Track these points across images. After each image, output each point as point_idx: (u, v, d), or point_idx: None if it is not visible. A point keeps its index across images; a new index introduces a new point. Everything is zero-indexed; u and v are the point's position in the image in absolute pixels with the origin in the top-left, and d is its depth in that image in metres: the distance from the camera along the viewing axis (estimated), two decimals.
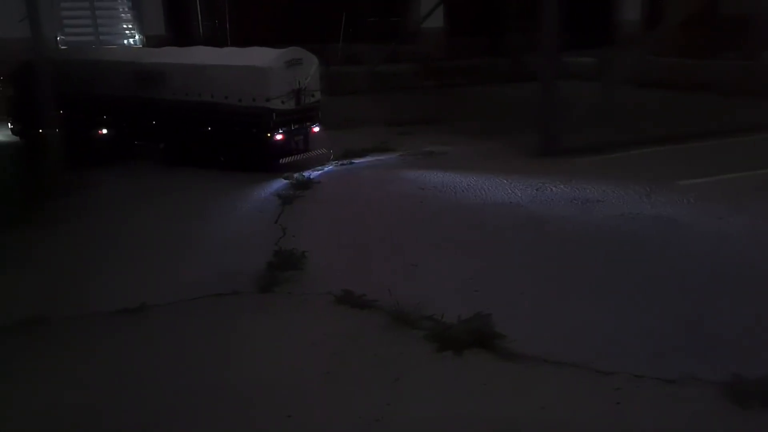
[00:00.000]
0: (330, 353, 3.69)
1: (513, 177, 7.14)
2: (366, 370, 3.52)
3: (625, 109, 9.94)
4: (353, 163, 8.04)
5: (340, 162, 8.05)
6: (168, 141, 8.35)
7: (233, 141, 7.77)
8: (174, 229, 5.89)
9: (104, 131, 8.68)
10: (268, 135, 7.47)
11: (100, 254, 5.34)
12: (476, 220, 5.93)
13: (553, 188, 6.71)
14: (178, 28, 16.37)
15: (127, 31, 16.52)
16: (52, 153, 7.27)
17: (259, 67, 7.44)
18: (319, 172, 7.69)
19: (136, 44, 16.23)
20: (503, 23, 17.83)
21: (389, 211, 6.29)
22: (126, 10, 16.49)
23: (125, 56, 9.07)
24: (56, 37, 16.05)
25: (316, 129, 8.02)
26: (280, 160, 7.57)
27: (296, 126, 7.75)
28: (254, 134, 7.56)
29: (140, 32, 16.70)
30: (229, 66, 7.77)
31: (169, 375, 3.52)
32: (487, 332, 3.80)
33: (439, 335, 3.80)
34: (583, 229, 5.58)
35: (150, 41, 15.81)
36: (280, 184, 7.13)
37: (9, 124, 9.32)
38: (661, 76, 12.08)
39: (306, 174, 7.45)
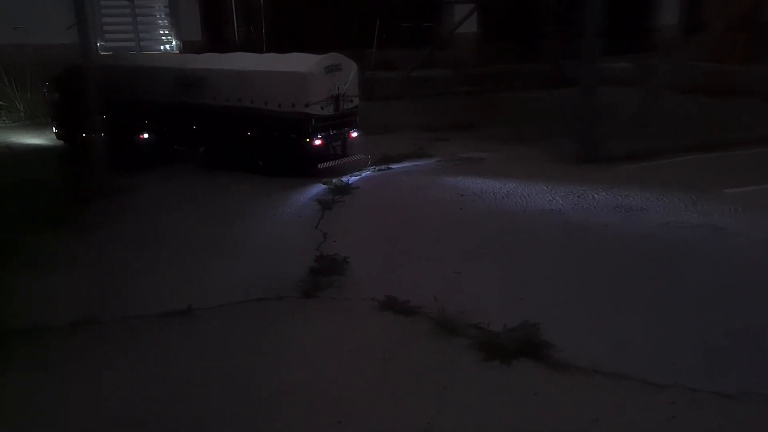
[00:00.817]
0: (377, 359, 3.67)
1: (553, 184, 7.05)
2: (414, 378, 3.49)
3: (666, 116, 9.76)
4: (390, 168, 8.02)
5: (378, 167, 8.03)
6: (208, 146, 8.45)
7: (272, 146, 7.82)
8: (214, 232, 5.92)
9: (146, 136, 8.79)
10: (307, 140, 7.50)
11: (144, 256, 5.40)
12: (518, 227, 5.86)
13: (595, 195, 6.61)
14: (213, 33, 16.59)
15: (164, 37, 16.81)
16: (95, 157, 7.39)
17: (298, 72, 7.49)
18: (357, 177, 7.68)
19: (173, 50, 16.50)
20: (538, 29, 17.71)
21: (429, 217, 6.26)
22: (164, 16, 16.78)
23: (168, 62, 9.15)
24: (96, 44, 16.41)
25: (355, 134, 8.04)
26: (319, 165, 7.60)
27: (335, 131, 7.78)
28: (293, 139, 7.60)
29: (177, 38, 16.98)
30: (269, 72, 7.82)
31: (217, 379, 3.53)
32: (536, 342, 3.75)
33: (486, 344, 3.75)
34: (627, 238, 5.48)
35: (186, 47, 16.05)
36: (318, 188, 7.13)
37: (53, 128, 9.47)
38: (702, 82, 11.85)
39: (344, 179, 7.46)
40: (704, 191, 6.51)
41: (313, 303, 4.41)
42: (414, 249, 5.40)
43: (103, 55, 10.55)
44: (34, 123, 11.54)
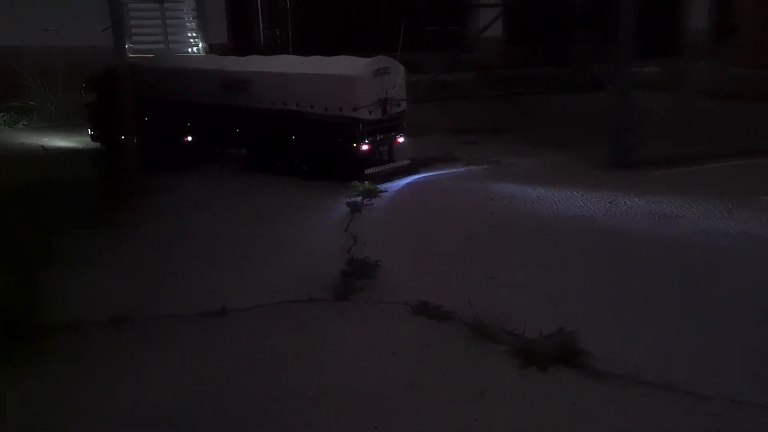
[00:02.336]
0: (412, 364, 3.65)
1: (584, 189, 6.97)
2: (451, 383, 3.46)
3: (699, 121, 9.62)
4: (419, 171, 7.99)
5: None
6: (251, 149, 8.34)
7: (317, 150, 7.67)
8: (247, 233, 5.95)
9: (188, 138, 8.77)
10: (354, 145, 7.33)
11: (178, 255, 5.43)
12: (549, 233, 5.81)
13: (627, 202, 6.52)
14: (240, 36, 16.71)
15: (191, 40, 16.98)
16: (131, 158, 7.46)
17: (346, 75, 7.32)
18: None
19: (200, 52, 16.64)
20: (564, 32, 17.59)
21: (459, 221, 6.22)
22: (191, 19, 16.95)
23: (209, 64, 9.00)
24: (125, 45, 16.61)
25: (401, 139, 7.85)
26: (365, 171, 7.43)
27: (382, 136, 7.59)
28: (339, 144, 7.44)
29: (204, 40, 17.14)
30: (316, 74, 7.62)
31: (252, 380, 3.53)
32: (573, 349, 3.70)
33: (522, 350, 3.71)
34: (662, 245, 5.39)
35: (213, 49, 16.19)
36: (349, 191, 7.10)
37: (89, 130, 9.50)
38: (736, 87, 11.65)
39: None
40: (740, 198, 6.39)
41: (345, 306, 4.40)
42: (444, 253, 5.38)
43: (145, 56, 10.48)
44: (65, 124, 11.70)
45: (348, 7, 17.00)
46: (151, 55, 10.23)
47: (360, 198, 6.86)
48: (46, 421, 3.26)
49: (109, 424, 3.22)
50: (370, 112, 7.32)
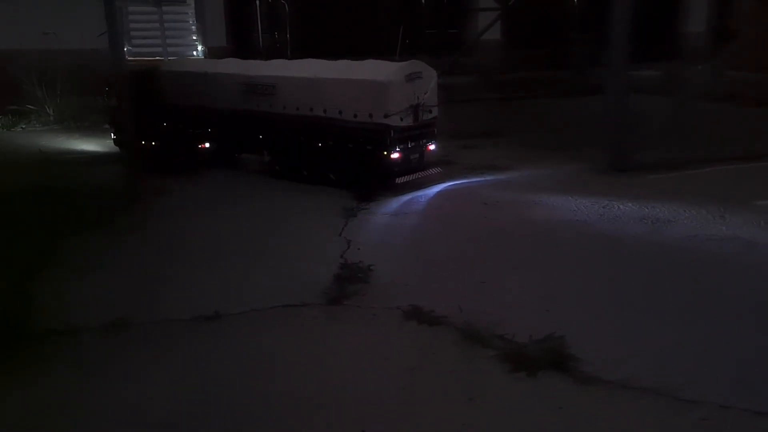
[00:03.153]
0: (403, 369, 3.67)
1: (580, 193, 7.00)
2: (440, 388, 3.48)
3: (696, 125, 9.63)
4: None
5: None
6: (274, 156, 8.09)
7: (346, 158, 7.39)
8: (243, 238, 5.97)
9: (207, 144, 8.64)
10: (385, 153, 7.06)
11: (175, 260, 5.45)
12: (543, 238, 5.83)
13: (621, 206, 6.54)
14: (239, 39, 16.76)
15: (191, 43, 17.03)
16: (147, 164, 7.39)
17: (378, 81, 7.00)
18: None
19: (199, 55, 16.69)
20: (563, 36, 17.60)
21: (453, 225, 6.25)
22: (191, 22, 17.00)
23: (232, 68, 8.68)
24: (124, 49, 16.66)
25: (432, 147, 7.58)
26: (397, 180, 7.16)
27: (413, 143, 7.29)
28: (369, 152, 7.15)
29: (203, 44, 17.20)
30: (346, 80, 7.32)
31: (244, 386, 3.55)
32: (562, 354, 3.72)
33: (511, 355, 3.73)
34: (655, 250, 5.41)
35: (212, 52, 16.23)
36: (345, 197, 7.09)
37: (111, 134, 9.37)
38: (734, 91, 11.66)
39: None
40: (734, 203, 6.41)
41: (338, 310, 4.42)
42: (437, 258, 5.39)
43: (164, 60, 10.16)
44: (63, 127, 11.75)
45: (347, 11, 17.03)
46: (170, 59, 9.84)
47: (355, 202, 6.85)
48: (44, 426, 3.28)
49: (108, 429, 3.25)
50: (401, 119, 7.04)
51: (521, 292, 4.68)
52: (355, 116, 7.22)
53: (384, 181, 7.18)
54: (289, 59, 8.56)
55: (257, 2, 16.98)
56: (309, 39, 16.19)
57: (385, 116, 6.97)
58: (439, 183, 7.63)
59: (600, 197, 6.81)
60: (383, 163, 7.12)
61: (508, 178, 7.85)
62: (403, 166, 7.29)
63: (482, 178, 7.85)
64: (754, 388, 3.39)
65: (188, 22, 17.09)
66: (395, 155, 7.11)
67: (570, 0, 18.11)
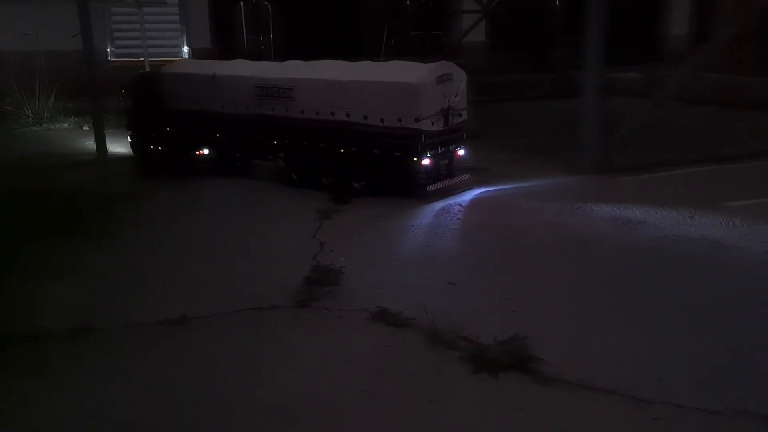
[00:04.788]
0: (367, 371, 3.69)
1: (554, 194, 7.06)
2: (402, 390, 3.51)
3: (673, 127, 9.72)
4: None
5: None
6: (290, 163, 7.68)
7: (371, 165, 6.99)
8: (216, 243, 5.97)
9: (206, 151, 8.37)
10: (415, 159, 6.71)
11: (146, 264, 5.46)
12: (515, 239, 5.87)
13: (594, 207, 6.61)
14: (223, 41, 16.74)
15: (174, 44, 17.00)
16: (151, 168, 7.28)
17: (409, 83, 6.61)
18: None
19: (182, 56, 16.67)
20: (546, 38, 17.71)
21: (426, 227, 6.26)
22: (175, 23, 16.97)
23: (242, 70, 8.18)
24: (106, 49, 16.62)
25: (461, 152, 7.27)
26: (428, 187, 6.87)
27: (443, 149, 6.96)
28: (398, 158, 6.77)
29: (187, 45, 17.17)
30: (373, 82, 6.90)
31: (208, 389, 3.56)
32: (524, 355, 3.76)
33: (475, 357, 3.77)
34: (624, 251, 5.47)
35: (196, 54, 16.21)
36: (321, 199, 7.10)
37: (128, 137, 9.14)
38: (712, 94, 11.76)
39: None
40: (704, 204, 6.48)
41: (306, 313, 4.44)
42: (409, 259, 5.42)
43: (172, 61, 9.84)
44: (42, 129, 11.67)
45: (330, 12, 17.05)
46: (176, 60, 9.38)
47: (331, 204, 6.86)
48: None
49: None
50: (432, 123, 6.68)
51: (489, 293, 4.72)
52: (382, 121, 6.81)
53: (414, 189, 6.86)
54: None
55: (241, 4, 16.98)
56: (292, 41, 16.20)
57: (416, 120, 6.60)
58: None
59: (575, 198, 6.87)
60: (414, 170, 6.77)
61: (483, 179, 7.85)
62: (434, 173, 6.97)
63: (458, 180, 7.85)
64: (711, 388, 3.44)
65: (172, 23, 17.08)
66: (426, 162, 6.76)
67: (553, 2, 18.21)
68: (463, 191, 7.27)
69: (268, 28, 16.70)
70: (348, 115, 7.04)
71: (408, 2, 18.58)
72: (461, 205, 6.81)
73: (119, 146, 9.48)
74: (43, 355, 3.97)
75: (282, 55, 14.64)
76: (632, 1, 17.44)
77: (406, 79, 6.65)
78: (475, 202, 6.93)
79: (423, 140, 6.64)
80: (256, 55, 15.90)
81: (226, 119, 8.07)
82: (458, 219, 6.43)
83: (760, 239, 5.57)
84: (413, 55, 16.29)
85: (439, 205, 6.83)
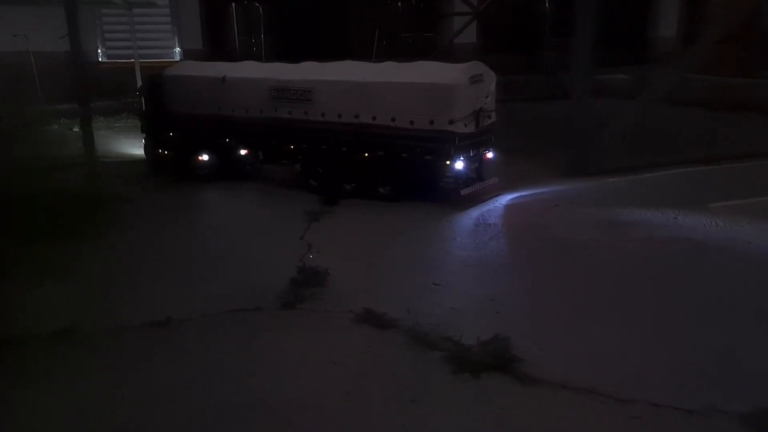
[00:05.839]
0: (350, 373, 3.72)
1: (542, 196, 7.11)
2: (385, 391, 3.54)
3: (660, 129, 9.78)
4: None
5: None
6: (308, 168, 7.45)
7: (399, 170, 6.82)
8: (205, 245, 6.00)
9: (206, 157, 8.12)
10: (448, 162, 6.52)
11: (133, 266, 5.47)
12: (501, 241, 5.92)
13: (581, 209, 6.66)
14: (214, 42, 16.75)
15: (166, 46, 17.01)
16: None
17: (443, 84, 6.45)
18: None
19: (175, 58, 16.69)
20: (537, 40, 17.78)
21: (409, 229, 6.27)
22: (167, 25, 16.99)
23: (255, 72, 7.89)
24: (97, 51, 16.61)
25: (490, 155, 7.07)
26: (461, 192, 6.67)
27: (474, 152, 6.78)
28: (429, 162, 6.59)
29: (179, 46, 17.18)
30: (403, 83, 6.67)
31: (192, 391, 3.59)
32: (506, 356, 3.80)
33: (457, 357, 3.80)
34: (609, 253, 5.52)
35: (188, 55, 16.21)
36: (308, 201, 7.12)
37: (143, 140, 8.97)
38: (700, 95, 11.83)
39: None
40: (688, 206, 6.54)
41: (291, 315, 4.47)
42: (394, 261, 5.45)
43: (170, 63, 9.50)
44: (30, 131, 11.59)
45: (322, 14, 17.07)
46: (183, 62, 8.83)
47: (319, 206, 6.88)
48: None
49: None
50: (465, 125, 6.48)
51: (474, 294, 4.76)
52: (412, 123, 6.60)
53: (447, 193, 6.67)
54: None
55: (233, 5, 16.99)
56: (283, 42, 16.22)
57: (450, 122, 6.40)
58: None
59: (561, 200, 6.92)
60: (446, 175, 6.59)
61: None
62: (466, 177, 6.80)
63: None
64: (688, 388, 3.49)
65: (164, 24, 17.09)
66: (459, 165, 6.56)
67: (543, 5, 18.29)
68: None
69: (259, 30, 16.70)
70: (374, 118, 6.81)
71: (399, 4, 18.63)
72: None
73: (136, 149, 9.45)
74: (24, 357, 3.98)
75: (273, 57, 14.65)
76: (622, 3, 17.54)
77: (439, 80, 6.47)
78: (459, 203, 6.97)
79: (456, 143, 6.44)
80: (249, 56, 15.91)
81: (237, 123, 7.75)
82: (447, 221, 6.47)
83: (742, 240, 5.63)
84: (404, 57, 16.40)
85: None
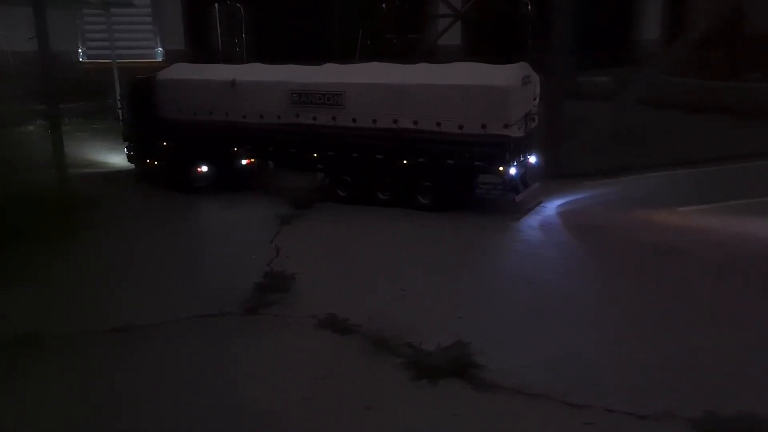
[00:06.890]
0: (309, 379, 3.71)
1: (509, 200, 7.10)
2: (341, 398, 3.53)
3: (637, 131, 9.82)
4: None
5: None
6: (336, 177, 7.00)
7: (444, 177, 6.44)
8: (173, 250, 5.97)
9: (205, 168, 7.56)
10: (501, 169, 6.20)
11: (98, 272, 5.44)
12: (468, 245, 5.93)
13: (552, 213, 6.68)
14: (197, 42, 16.67)
15: (148, 46, 16.93)
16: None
17: (497, 86, 6.10)
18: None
19: (156, 58, 16.61)
20: (520, 42, 17.83)
21: (380, 233, 6.27)
22: (148, 25, 16.91)
23: (274, 75, 7.36)
24: (77, 51, 16.49)
25: (533, 159, 6.79)
26: (516, 198, 6.41)
27: (522, 156, 6.46)
28: (480, 168, 6.30)
29: (161, 46, 17.10)
30: (449, 86, 6.29)
31: (151, 397, 3.57)
32: (465, 362, 3.80)
33: (416, 364, 3.80)
34: (575, 256, 5.55)
35: (170, 55, 16.13)
36: (280, 204, 7.07)
37: (125, 149, 8.47)
38: (679, 98, 11.88)
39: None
40: (659, 209, 6.58)
41: (254, 320, 4.45)
42: (363, 265, 5.45)
43: (169, 66, 8.99)
44: (6, 132, 11.48)
45: (306, 14, 17.03)
46: (176, 64, 8.42)
47: (290, 210, 6.85)
48: None
49: None
50: (518, 129, 6.14)
51: (439, 299, 4.76)
52: (461, 128, 6.21)
53: (498, 201, 6.40)
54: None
55: (215, 6, 16.92)
56: (265, 42, 16.16)
57: (505, 126, 6.06)
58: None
59: (534, 204, 6.92)
60: (499, 181, 6.31)
61: None
62: (515, 183, 6.51)
63: None
64: (642, 393, 3.50)
65: (145, 24, 17.00)
66: (513, 171, 6.27)
67: (524, 8, 18.34)
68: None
69: (241, 30, 16.65)
70: (415, 123, 6.40)
71: (383, 5, 18.63)
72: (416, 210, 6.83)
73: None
74: None
75: (255, 58, 14.58)
76: (605, 5, 17.62)
77: (492, 82, 6.14)
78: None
79: (511, 147, 6.13)
80: (232, 56, 15.85)
81: (249, 130, 7.20)
82: (420, 225, 6.46)
83: (709, 244, 5.66)
84: (388, 57, 16.39)
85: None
